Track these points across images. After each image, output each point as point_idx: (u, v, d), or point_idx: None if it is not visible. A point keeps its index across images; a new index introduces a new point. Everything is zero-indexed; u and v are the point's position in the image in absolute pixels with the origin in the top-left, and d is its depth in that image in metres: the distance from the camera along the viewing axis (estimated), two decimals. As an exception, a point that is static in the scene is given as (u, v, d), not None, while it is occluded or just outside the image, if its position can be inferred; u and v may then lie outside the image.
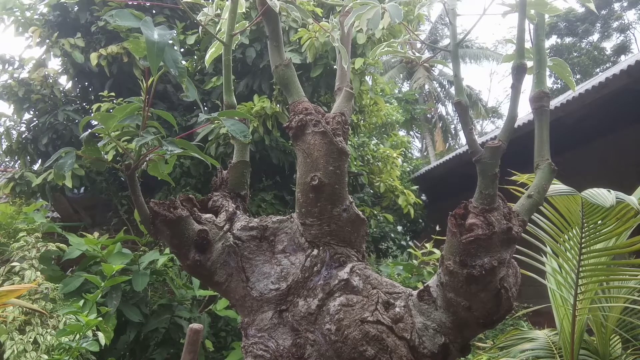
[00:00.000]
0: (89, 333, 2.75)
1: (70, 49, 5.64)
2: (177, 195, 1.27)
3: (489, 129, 27.29)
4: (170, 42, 0.90)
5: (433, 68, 21.50)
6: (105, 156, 4.52)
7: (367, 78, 6.44)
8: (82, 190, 6.61)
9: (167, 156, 1.11)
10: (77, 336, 2.71)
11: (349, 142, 3.00)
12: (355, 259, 1.23)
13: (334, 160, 1.22)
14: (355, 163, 7.06)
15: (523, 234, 1.08)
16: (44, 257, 3.87)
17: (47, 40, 5.82)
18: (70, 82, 6.35)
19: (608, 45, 25.14)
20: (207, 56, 1.56)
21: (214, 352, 4.30)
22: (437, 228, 4.63)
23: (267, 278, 1.20)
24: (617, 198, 1.92)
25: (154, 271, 4.19)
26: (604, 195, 1.94)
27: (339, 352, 1.08)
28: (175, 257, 2.56)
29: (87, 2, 5.94)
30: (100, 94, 5.42)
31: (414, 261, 5.04)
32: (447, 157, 10.79)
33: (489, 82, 44.34)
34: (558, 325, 2.67)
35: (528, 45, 1.14)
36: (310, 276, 1.18)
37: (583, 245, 2.36)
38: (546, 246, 2.60)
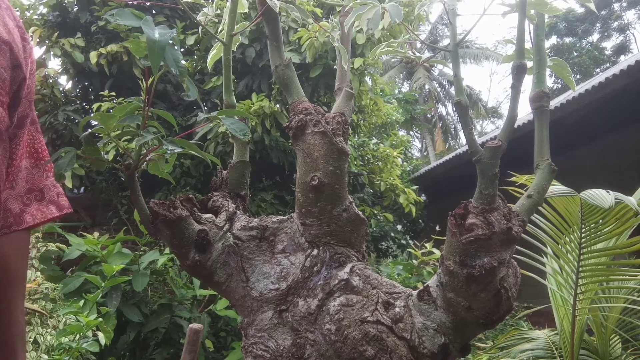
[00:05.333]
0: (89, 333, 2.75)
1: (70, 48, 5.64)
2: (177, 195, 1.27)
3: (489, 129, 27.31)
4: (171, 41, 0.90)
5: (433, 68, 21.51)
6: (106, 156, 4.52)
7: (367, 78, 6.44)
8: (82, 190, 6.61)
9: (167, 155, 1.11)
10: (77, 336, 2.71)
11: (349, 142, 3.00)
12: (355, 259, 1.23)
13: (334, 160, 1.22)
14: (355, 163, 7.06)
15: (523, 234, 1.08)
16: (44, 257, 3.87)
17: (47, 41, 5.82)
18: (70, 82, 6.35)
19: (608, 45, 25.18)
20: (209, 58, 1.56)
21: (214, 352, 4.30)
22: (437, 228, 4.63)
23: (267, 278, 1.20)
24: (616, 199, 1.92)
25: (154, 271, 4.18)
26: (602, 196, 1.94)
27: (339, 352, 1.08)
28: (175, 257, 2.56)
29: (87, 2, 5.94)
30: (100, 93, 5.42)
31: (414, 261, 5.04)
32: (447, 157, 10.81)
33: (489, 82, 44.50)
34: (558, 326, 2.67)
35: (528, 45, 1.14)
36: (310, 276, 1.18)
37: (583, 245, 2.37)
38: (546, 247, 2.60)
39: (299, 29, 5.00)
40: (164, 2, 5.87)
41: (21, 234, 1.03)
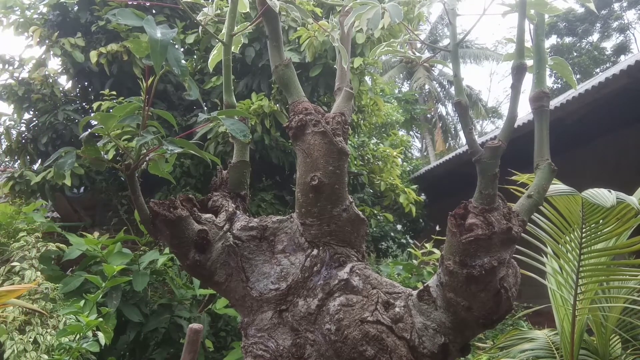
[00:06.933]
0: (89, 333, 2.75)
1: (70, 48, 5.63)
2: (177, 195, 1.27)
3: (489, 129, 27.31)
4: (172, 41, 0.90)
5: (433, 68, 21.49)
6: (105, 156, 4.52)
7: (367, 78, 6.44)
8: (82, 190, 6.61)
9: (167, 155, 1.11)
10: (78, 336, 2.71)
11: (349, 142, 3.00)
12: (355, 259, 1.23)
13: (334, 160, 1.22)
14: (355, 163, 7.05)
15: (523, 234, 1.08)
16: (44, 257, 3.87)
17: (47, 40, 5.82)
18: (70, 82, 6.35)
19: (608, 45, 25.16)
20: (210, 59, 1.56)
21: (214, 352, 4.30)
22: (437, 228, 4.63)
23: (267, 278, 1.20)
24: (617, 198, 1.92)
25: (154, 271, 4.18)
26: (604, 196, 1.94)
27: (339, 352, 1.08)
28: (175, 257, 2.56)
29: (87, 1, 5.94)
30: (101, 92, 5.42)
31: (414, 261, 5.04)
32: (447, 157, 10.80)
33: (489, 82, 44.46)
34: (558, 325, 2.67)
35: (528, 44, 1.14)
36: (310, 276, 1.18)
37: (583, 245, 2.36)
38: (547, 246, 2.60)
39: (298, 28, 5.00)
40: (164, 2, 5.87)
41: None
